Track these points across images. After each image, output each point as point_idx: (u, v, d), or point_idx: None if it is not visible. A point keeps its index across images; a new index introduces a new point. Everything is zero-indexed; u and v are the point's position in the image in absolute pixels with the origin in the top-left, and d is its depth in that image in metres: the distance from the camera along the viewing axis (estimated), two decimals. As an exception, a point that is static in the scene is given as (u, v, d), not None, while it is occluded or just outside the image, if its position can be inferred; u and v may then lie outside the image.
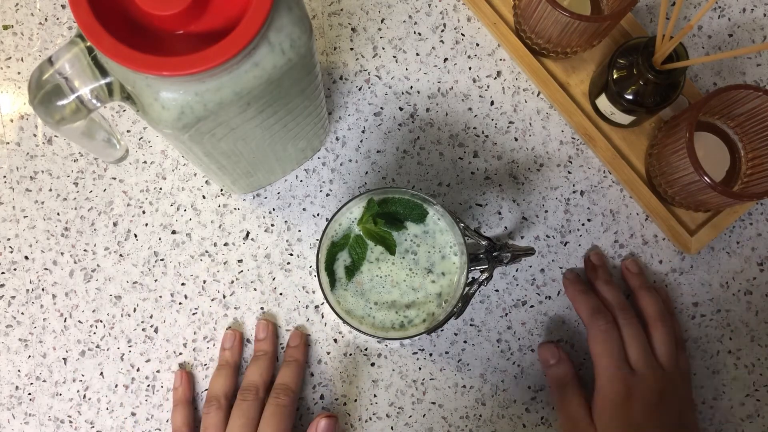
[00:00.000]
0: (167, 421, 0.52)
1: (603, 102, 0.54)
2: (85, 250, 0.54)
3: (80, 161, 0.55)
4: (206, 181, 0.55)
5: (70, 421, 0.53)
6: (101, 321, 0.54)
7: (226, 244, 0.55)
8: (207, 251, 0.55)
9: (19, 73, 0.57)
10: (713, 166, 0.54)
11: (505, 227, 0.56)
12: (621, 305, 0.52)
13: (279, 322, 0.54)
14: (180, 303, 0.54)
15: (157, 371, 0.53)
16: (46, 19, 0.57)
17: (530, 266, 0.55)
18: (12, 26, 0.57)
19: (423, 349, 0.54)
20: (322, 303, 0.54)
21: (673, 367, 0.50)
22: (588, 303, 0.52)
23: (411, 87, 0.57)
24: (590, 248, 0.56)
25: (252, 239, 0.55)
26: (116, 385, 0.53)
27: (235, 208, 0.55)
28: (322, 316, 0.54)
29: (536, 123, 0.57)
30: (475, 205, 0.56)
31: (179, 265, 0.54)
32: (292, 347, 0.52)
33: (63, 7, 0.57)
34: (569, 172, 0.56)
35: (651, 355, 0.50)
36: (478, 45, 0.58)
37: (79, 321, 0.54)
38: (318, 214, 0.55)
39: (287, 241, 0.55)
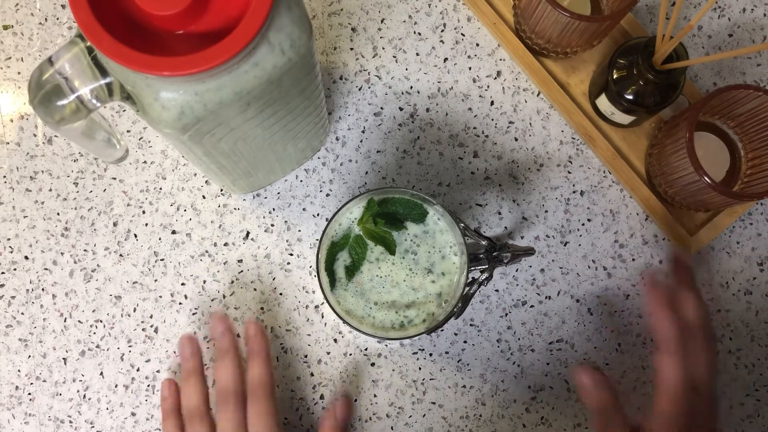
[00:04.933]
0: (167, 421, 0.52)
1: (603, 102, 0.54)
2: (85, 250, 0.54)
3: (80, 161, 0.55)
4: (206, 181, 0.55)
5: (70, 421, 0.53)
6: (101, 321, 0.54)
7: (226, 244, 0.55)
8: (207, 251, 0.55)
9: (19, 73, 0.57)
10: (713, 166, 0.54)
11: (505, 227, 0.56)
12: (702, 328, 0.46)
13: (279, 323, 0.54)
14: (180, 303, 0.54)
15: (157, 371, 0.53)
16: (46, 19, 0.57)
17: (530, 266, 0.55)
18: (12, 26, 0.57)
19: (423, 349, 0.54)
20: (322, 303, 0.54)
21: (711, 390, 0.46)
22: (671, 326, 0.46)
23: (411, 87, 0.57)
24: (591, 248, 0.56)
25: (252, 239, 0.55)
26: (116, 385, 0.53)
27: (235, 208, 0.55)
28: (322, 316, 0.54)
29: (536, 123, 0.57)
30: (475, 205, 0.56)
31: (179, 265, 0.54)
32: (252, 338, 0.50)
33: (63, 7, 0.57)
34: (569, 172, 0.56)
35: (714, 378, 0.45)
36: (478, 45, 0.58)
37: (79, 321, 0.54)
38: (318, 214, 0.55)
39: (287, 241, 0.55)
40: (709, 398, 0.45)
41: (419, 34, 0.58)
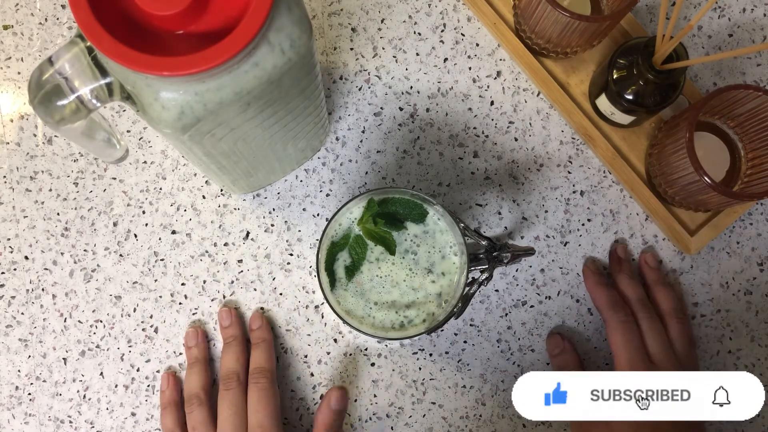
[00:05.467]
0: (167, 421, 0.53)
1: (603, 102, 0.54)
2: (85, 250, 0.54)
3: (80, 161, 0.55)
4: (206, 181, 0.55)
5: (70, 421, 0.53)
6: (101, 321, 0.54)
7: (226, 244, 0.55)
8: (207, 251, 0.55)
9: (19, 73, 0.57)
10: (713, 166, 0.54)
11: (505, 227, 0.56)
12: (641, 301, 0.52)
13: (279, 323, 0.54)
14: (180, 303, 0.54)
15: (157, 371, 0.53)
16: (46, 19, 0.57)
17: (530, 266, 0.55)
18: (12, 26, 0.57)
19: (423, 349, 0.54)
20: (322, 303, 0.54)
21: (689, 362, 0.50)
22: (607, 295, 0.52)
23: (411, 87, 0.57)
24: (591, 248, 0.56)
25: (252, 239, 0.55)
26: (116, 385, 0.53)
27: (235, 208, 0.55)
28: (322, 316, 0.54)
29: (536, 123, 0.57)
30: (475, 205, 0.56)
31: (179, 265, 0.54)
32: (256, 329, 0.52)
33: (63, 7, 0.57)
34: (569, 172, 0.56)
35: (670, 349, 0.50)
36: (478, 45, 0.58)
37: (79, 321, 0.54)
38: (318, 214, 0.55)
39: (287, 241, 0.55)
40: (666, 368, 0.49)
41: (419, 34, 0.58)
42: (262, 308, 0.54)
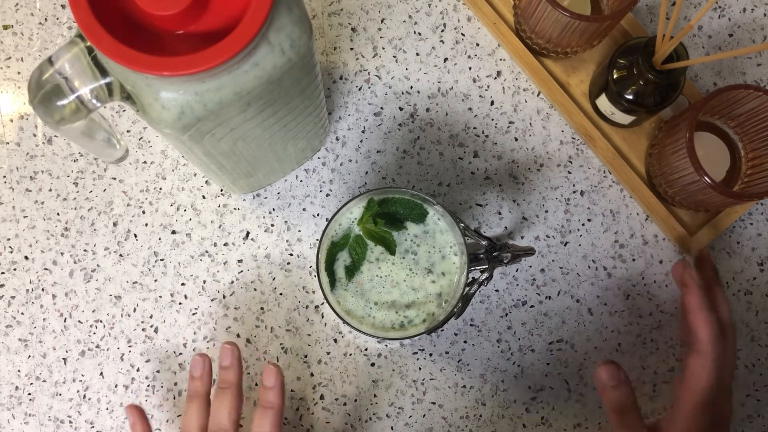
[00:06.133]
0: (167, 420, 0.53)
1: (603, 102, 0.54)
2: (85, 250, 0.54)
3: (80, 161, 0.55)
4: (206, 181, 0.55)
5: (70, 421, 0.53)
6: (101, 321, 0.54)
7: (226, 244, 0.55)
8: (207, 251, 0.55)
9: (19, 73, 0.57)
10: (713, 166, 0.54)
11: (505, 227, 0.56)
12: (733, 327, 0.48)
13: (279, 323, 0.54)
14: (180, 303, 0.54)
15: (157, 371, 0.53)
16: (46, 19, 0.57)
17: (530, 266, 0.55)
18: (12, 26, 0.57)
19: (423, 349, 0.54)
20: (322, 303, 0.54)
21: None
22: (712, 327, 0.46)
23: (411, 87, 0.57)
24: (591, 248, 0.56)
25: (252, 239, 0.55)
26: (116, 385, 0.53)
27: (235, 208, 0.55)
28: (322, 316, 0.54)
29: (536, 123, 0.57)
30: (475, 205, 0.56)
31: (179, 265, 0.54)
32: (268, 389, 0.44)
33: (63, 7, 0.57)
34: (569, 172, 0.56)
35: (730, 387, 0.47)
36: (478, 45, 0.58)
37: (79, 321, 0.54)
38: (318, 214, 0.55)
39: (287, 241, 0.55)
40: (730, 398, 0.47)
41: (419, 34, 0.58)
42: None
